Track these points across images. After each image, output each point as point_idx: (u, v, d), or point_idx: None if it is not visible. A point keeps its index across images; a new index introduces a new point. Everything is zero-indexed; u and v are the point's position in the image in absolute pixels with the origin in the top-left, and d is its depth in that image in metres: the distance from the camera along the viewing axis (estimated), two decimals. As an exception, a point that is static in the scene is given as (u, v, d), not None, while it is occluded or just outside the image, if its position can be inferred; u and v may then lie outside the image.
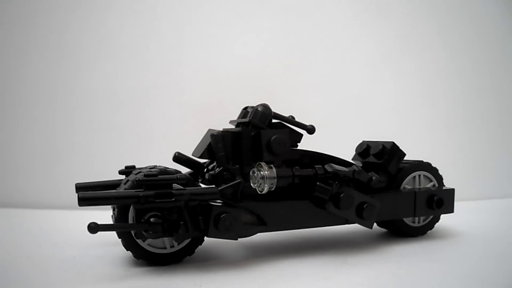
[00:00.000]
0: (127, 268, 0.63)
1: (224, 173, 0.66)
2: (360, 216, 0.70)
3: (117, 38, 1.17)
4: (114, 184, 0.69)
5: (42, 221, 0.98)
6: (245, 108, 0.73)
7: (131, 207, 0.61)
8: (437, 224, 0.81)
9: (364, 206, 0.69)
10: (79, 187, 0.70)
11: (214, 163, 0.68)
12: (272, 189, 0.65)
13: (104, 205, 0.59)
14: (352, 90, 1.21)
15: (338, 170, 0.68)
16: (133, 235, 0.62)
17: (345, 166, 0.71)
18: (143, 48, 1.17)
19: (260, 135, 0.67)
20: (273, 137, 0.66)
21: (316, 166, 0.69)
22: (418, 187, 0.79)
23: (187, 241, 0.64)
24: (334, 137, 1.00)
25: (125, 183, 0.64)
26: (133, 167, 0.70)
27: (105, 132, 1.16)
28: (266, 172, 0.65)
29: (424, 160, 0.81)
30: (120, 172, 0.70)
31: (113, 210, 0.66)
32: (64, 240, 0.79)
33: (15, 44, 1.16)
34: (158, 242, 0.63)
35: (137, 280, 0.59)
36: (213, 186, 0.64)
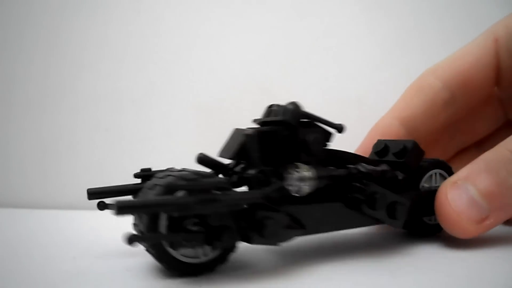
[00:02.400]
0: (127, 268, 0.63)
1: (260, 174, 0.62)
2: (392, 216, 0.68)
3: (118, 38, 1.17)
4: (130, 189, 0.66)
5: (42, 221, 0.98)
6: (270, 106, 0.69)
7: (163, 215, 0.57)
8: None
9: (396, 206, 0.67)
10: (91, 193, 0.66)
11: (241, 165, 0.65)
12: (312, 191, 0.63)
13: (145, 213, 0.56)
14: (352, 90, 1.21)
15: (371, 170, 0.67)
16: (169, 245, 0.57)
17: (374, 165, 0.70)
18: (143, 48, 1.17)
19: (296, 135, 0.64)
20: (312, 137, 0.63)
21: (348, 166, 0.67)
22: (435, 185, 0.78)
23: (221, 250, 0.61)
24: (334, 137, 1.00)
25: (150, 188, 0.59)
26: (149, 169, 0.67)
27: (106, 132, 1.16)
28: (306, 173, 0.62)
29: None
30: (136, 176, 0.67)
31: (135, 218, 0.62)
32: (64, 240, 0.79)
33: (15, 44, 1.16)
34: (191, 251, 0.59)
35: (137, 280, 0.59)
36: (256, 190, 0.60)
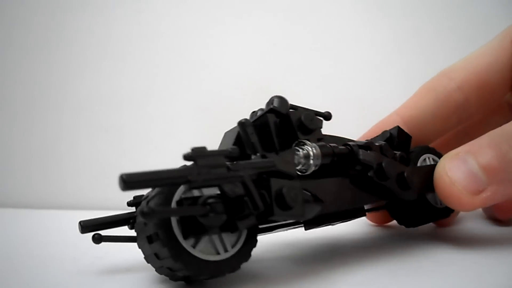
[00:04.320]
0: (128, 268, 0.63)
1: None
2: (403, 187, 0.67)
3: (119, 39, 1.17)
4: (124, 219, 0.64)
5: (42, 221, 0.98)
6: (253, 112, 0.68)
7: (174, 199, 0.52)
8: (436, 225, 0.81)
9: (403, 176, 0.66)
10: (85, 226, 0.63)
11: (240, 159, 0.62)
12: (317, 168, 0.61)
13: (153, 187, 0.51)
14: (352, 90, 1.21)
15: (370, 143, 0.66)
16: (182, 238, 0.51)
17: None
18: (144, 49, 1.17)
19: (289, 117, 0.62)
20: (304, 115, 0.63)
21: (349, 143, 0.66)
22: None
23: (241, 243, 0.56)
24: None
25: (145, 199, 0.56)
26: (142, 196, 0.63)
27: (106, 132, 1.16)
28: (311, 150, 0.60)
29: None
30: (129, 204, 0.65)
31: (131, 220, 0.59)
32: (64, 240, 0.79)
33: (16, 44, 1.16)
34: (209, 248, 0.53)
35: (137, 280, 0.59)
36: (266, 159, 0.56)
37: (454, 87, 0.85)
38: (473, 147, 0.68)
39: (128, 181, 0.46)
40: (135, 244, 0.59)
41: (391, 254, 0.70)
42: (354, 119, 1.21)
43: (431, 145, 0.83)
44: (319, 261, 0.67)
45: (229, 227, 0.52)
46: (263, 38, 1.20)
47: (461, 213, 0.89)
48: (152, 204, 0.52)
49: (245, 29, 1.19)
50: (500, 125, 0.89)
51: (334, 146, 0.63)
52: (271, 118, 0.62)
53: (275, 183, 0.54)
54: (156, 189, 0.54)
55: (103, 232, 0.62)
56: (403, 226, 0.81)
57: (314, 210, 0.59)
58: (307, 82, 1.20)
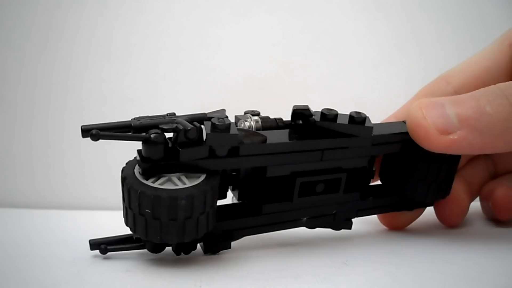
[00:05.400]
0: (128, 269, 0.63)
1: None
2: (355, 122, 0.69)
3: (119, 38, 1.17)
4: (131, 237, 0.67)
5: (42, 221, 0.98)
6: None
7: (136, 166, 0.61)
8: (436, 225, 0.81)
9: (353, 115, 0.70)
10: (94, 244, 0.67)
11: None
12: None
13: (118, 139, 0.61)
14: (352, 90, 1.21)
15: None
16: (141, 177, 0.60)
17: None
18: (144, 48, 1.17)
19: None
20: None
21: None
22: None
23: (200, 179, 0.60)
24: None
25: None
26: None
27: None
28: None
29: None
30: None
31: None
32: (64, 240, 0.79)
33: (16, 44, 1.16)
34: (169, 184, 0.60)
35: (138, 280, 0.59)
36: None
37: (451, 91, 0.86)
38: (454, 98, 0.70)
39: (85, 129, 0.59)
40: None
41: (391, 254, 0.70)
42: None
43: None
44: (319, 261, 0.67)
45: (173, 155, 0.59)
46: (263, 38, 1.20)
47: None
48: None
49: (245, 29, 1.20)
50: None
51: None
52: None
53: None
54: None
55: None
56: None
57: (256, 140, 0.64)
58: (307, 82, 1.20)
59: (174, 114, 0.67)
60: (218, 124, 0.59)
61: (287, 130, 0.68)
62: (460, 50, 1.27)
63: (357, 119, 0.68)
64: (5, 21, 1.15)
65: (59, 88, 1.16)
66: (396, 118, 0.87)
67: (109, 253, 0.68)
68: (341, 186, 0.71)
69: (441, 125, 0.67)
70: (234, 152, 0.62)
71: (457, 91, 0.85)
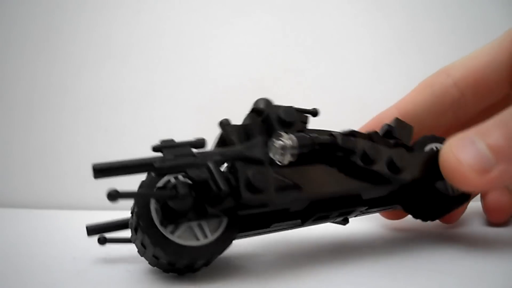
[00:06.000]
0: (128, 269, 0.63)
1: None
2: (394, 171, 0.64)
3: (118, 38, 1.17)
4: (128, 222, 0.64)
5: (42, 221, 0.98)
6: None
7: (152, 200, 0.55)
8: (437, 225, 0.81)
9: (394, 160, 0.64)
10: (91, 229, 0.67)
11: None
12: (294, 159, 0.59)
13: (123, 174, 0.55)
14: (352, 90, 1.21)
15: (357, 133, 0.64)
16: (159, 224, 0.54)
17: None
18: (144, 48, 1.17)
19: (268, 116, 0.62)
20: (281, 110, 0.62)
21: (333, 132, 0.64)
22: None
23: (221, 230, 0.57)
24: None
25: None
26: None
27: (106, 132, 1.16)
28: (287, 141, 0.58)
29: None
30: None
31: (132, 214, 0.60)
32: (64, 240, 0.79)
33: (16, 44, 1.16)
34: (188, 234, 0.55)
35: (138, 280, 0.59)
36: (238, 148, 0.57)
37: (451, 83, 0.86)
38: (480, 129, 0.66)
39: (97, 169, 0.52)
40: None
41: (391, 254, 0.70)
42: (354, 119, 1.21)
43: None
44: (319, 261, 0.67)
45: (200, 211, 0.54)
46: (263, 38, 1.20)
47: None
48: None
49: (245, 29, 1.20)
50: None
51: (314, 136, 0.62)
52: (253, 119, 0.63)
53: (241, 167, 0.55)
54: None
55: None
56: (402, 226, 0.81)
57: (290, 196, 0.59)
58: (307, 82, 1.20)
59: (203, 142, 0.59)
60: (255, 184, 0.54)
61: (326, 169, 0.63)
62: (460, 50, 1.27)
63: (395, 170, 0.65)
64: (5, 21, 1.15)
65: (58, 88, 1.16)
66: (371, 125, 0.86)
67: (109, 253, 0.68)
68: (354, 213, 0.71)
69: (478, 167, 0.63)
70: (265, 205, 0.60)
71: (457, 84, 0.85)
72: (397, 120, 0.75)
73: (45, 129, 1.16)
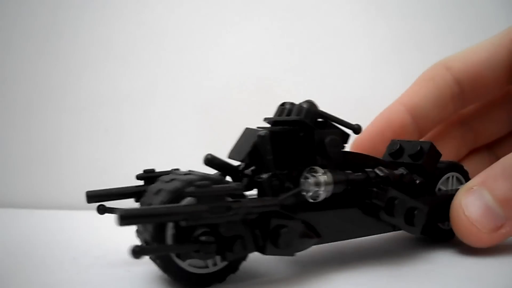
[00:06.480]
0: (128, 269, 0.63)
1: (273, 179, 0.58)
2: (409, 223, 0.64)
3: (119, 39, 1.17)
4: (132, 192, 0.63)
5: (42, 221, 0.98)
6: (282, 104, 0.64)
7: (170, 224, 0.52)
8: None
9: (414, 212, 0.64)
10: (91, 196, 0.64)
11: (252, 167, 0.61)
12: (328, 196, 0.59)
13: (150, 223, 0.51)
14: (352, 90, 1.21)
15: (389, 173, 0.64)
16: (176, 255, 0.54)
17: (392, 169, 0.66)
18: (144, 49, 1.17)
19: (312, 136, 0.60)
20: (328, 139, 0.60)
21: (365, 169, 0.63)
22: (452, 188, 0.76)
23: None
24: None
25: (155, 193, 0.54)
26: (153, 171, 0.63)
27: (106, 132, 1.16)
28: (322, 178, 0.57)
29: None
30: (139, 178, 0.63)
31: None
32: (64, 240, 0.79)
33: (16, 44, 1.16)
34: (199, 261, 0.55)
35: (138, 280, 0.59)
36: (271, 197, 0.56)
37: (451, 78, 0.87)
38: (487, 179, 0.67)
39: (125, 216, 0.46)
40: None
41: (391, 256, 0.70)
42: (354, 119, 1.20)
43: (433, 133, 0.82)
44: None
45: (221, 253, 0.53)
46: (264, 39, 1.20)
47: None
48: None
49: (245, 29, 1.19)
50: (502, 116, 0.91)
51: (348, 173, 0.61)
52: (295, 133, 0.61)
53: (274, 222, 0.55)
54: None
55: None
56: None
57: (309, 243, 0.59)
58: (307, 82, 1.20)
59: (222, 179, 0.57)
60: (282, 242, 0.55)
61: (348, 214, 0.63)
62: (459, 50, 1.27)
63: (410, 223, 0.65)
64: (6, 21, 1.15)
65: (59, 88, 1.16)
66: (369, 133, 0.88)
67: (109, 253, 0.67)
68: None
69: (490, 225, 0.65)
70: None
71: (456, 78, 0.86)
72: (431, 145, 0.73)
73: (45, 129, 1.16)
